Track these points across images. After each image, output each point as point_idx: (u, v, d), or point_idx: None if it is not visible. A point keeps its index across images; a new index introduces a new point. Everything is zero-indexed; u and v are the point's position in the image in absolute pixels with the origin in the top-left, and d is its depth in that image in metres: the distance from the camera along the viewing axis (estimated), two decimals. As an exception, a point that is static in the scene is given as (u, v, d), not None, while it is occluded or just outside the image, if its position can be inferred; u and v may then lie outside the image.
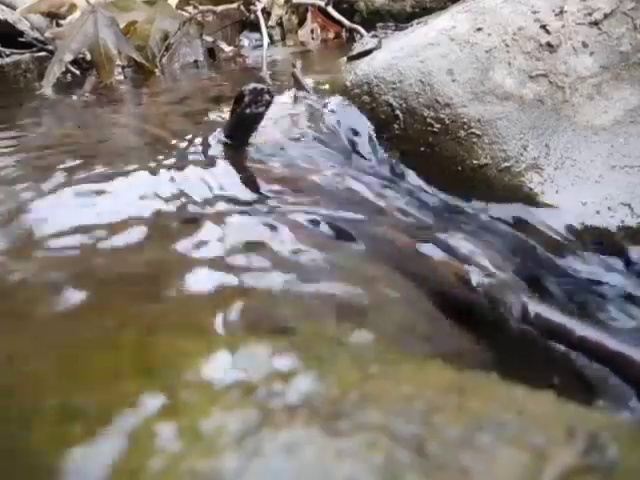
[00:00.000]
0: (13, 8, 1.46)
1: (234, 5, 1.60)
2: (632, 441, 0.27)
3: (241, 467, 0.25)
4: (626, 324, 0.64)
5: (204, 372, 0.33)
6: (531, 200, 0.73)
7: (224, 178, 0.70)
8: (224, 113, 0.92)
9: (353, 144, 0.83)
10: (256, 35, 1.72)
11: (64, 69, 1.31)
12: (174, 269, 0.47)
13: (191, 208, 0.61)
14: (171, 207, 0.60)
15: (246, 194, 0.67)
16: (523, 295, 0.57)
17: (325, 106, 0.88)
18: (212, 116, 0.95)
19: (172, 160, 0.74)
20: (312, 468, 0.25)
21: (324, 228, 0.61)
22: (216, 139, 0.79)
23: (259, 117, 0.75)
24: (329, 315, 0.44)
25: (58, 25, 1.50)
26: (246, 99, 0.72)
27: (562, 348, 0.55)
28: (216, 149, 0.77)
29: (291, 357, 0.34)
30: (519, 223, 0.72)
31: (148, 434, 0.28)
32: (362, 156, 0.82)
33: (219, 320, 0.40)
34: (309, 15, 1.85)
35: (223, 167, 0.73)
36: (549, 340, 0.55)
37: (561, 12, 0.80)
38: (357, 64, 0.88)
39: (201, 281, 0.45)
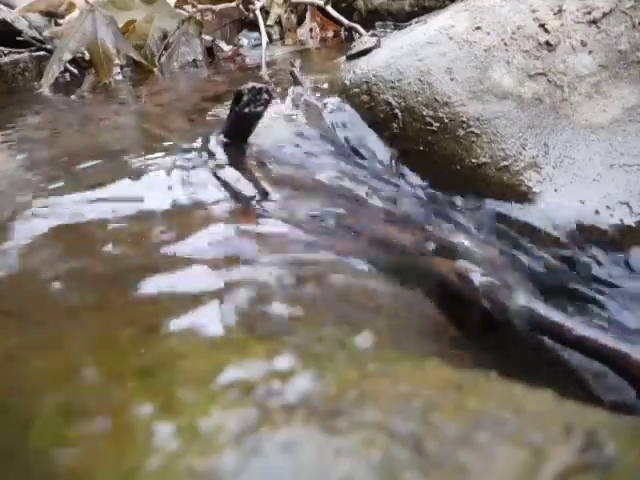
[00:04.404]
0: (11, 7, 1.46)
1: (233, 4, 1.60)
2: (630, 439, 0.27)
3: (240, 466, 0.25)
4: (625, 322, 0.64)
5: (203, 371, 0.33)
6: (530, 199, 0.73)
7: (222, 178, 0.70)
8: (223, 112, 0.92)
9: (352, 143, 0.83)
10: (255, 34, 1.72)
11: (63, 68, 1.31)
12: (173, 268, 0.47)
13: (189, 207, 0.61)
14: (169, 206, 0.60)
15: (244, 193, 0.67)
16: (522, 294, 0.57)
17: (324, 105, 0.88)
18: (211, 115, 0.95)
19: (171, 159, 0.74)
20: (310, 466, 0.25)
21: (323, 228, 0.61)
22: (215, 138, 0.79)
23: (258, 116, 0.75)
24: (328, 314, 0.44)
25: (57, 24, 1.49)
26: (245, 98, 0.72)
27: (561, 347, 0.55)
28: (215, 148, 0.77)
29: (289, 356, 0.34)
30: (518, 222, 0.72)
31: (147, 433, 0.28)
32: (361, 155, 0.82)
33: (218, 319, 0.40)
34: (308, 14, 1.85)
35: (222, 167, 0.73)
36: (548, 339, 0.55)
37: (560, 11, 0.80)
38: (356, 63, 0.88)
39: (200, 280, 0.45)
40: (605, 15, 0.78)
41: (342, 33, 1.78)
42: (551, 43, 0.78)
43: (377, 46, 0.90)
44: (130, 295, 0.44)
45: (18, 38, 1.42)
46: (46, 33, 1.44)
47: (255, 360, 0.34)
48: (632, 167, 0.72)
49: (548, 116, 0.76)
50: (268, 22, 1.73)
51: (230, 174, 0.72)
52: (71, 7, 1.48)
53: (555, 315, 0.54)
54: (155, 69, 1.41)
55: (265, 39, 1.43)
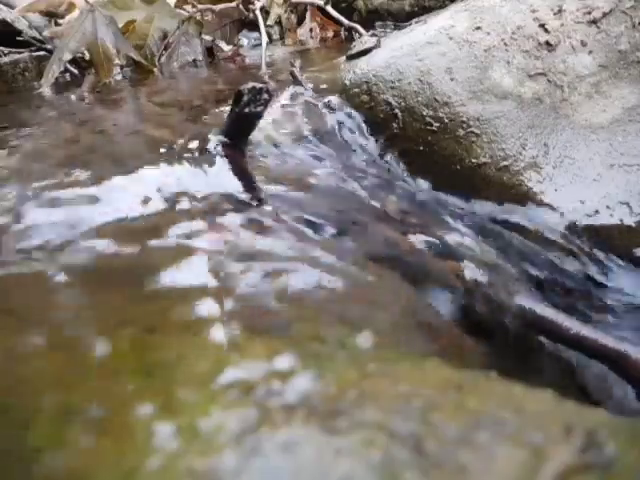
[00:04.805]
0: (11, 7, 1.46)
1: (233, 4, 1.60)
2: (630, 439, 0.27)
3: (239, 466, 0.25)
4: (624, 322, 0.64)
5: (203, 371, 0.33)
6: (530, 199, 0.73)
7: (222, 177, 0.70)
8: (223, 112, 0.91)
9: (352, 143, 0.83)
10: (255, 34, 1.72)
11: (63, 68, 1.31)
12: (172, 268, 0.47)
13: (189, 208, 0.61)
14: (169, 207, 0.60)
15: (244, 193, 0.67)
16: (521, 294, 0.57)
17: (324, 105, 0.88)
18: (211, 115, 0.95)
19: (170, 159, 0.74)
20: (310, 466, 0.25)
21: (322, 228, 0.61)
22: (215, 138, 0.79)
23: (258, 116, 0.75)
24: (328, 314, 0.44)
25: (57, 24, 1.49)
26: (245, 98, 0.72)
27: (560, 346, 0.55)
28: (215, 148, 0.77)
29: (289, 356, 0.34)
30: (517, 221, 0.72)
31: (147, 433, 0.28)
32: (361, 155, 0.82)
33: (218, 319, 0.40)
34: (308, 14, 1.85)
35: (222, 166, 0.73)
36: (547, 338, 0.55)
37: (560, 11, 0.80)
38: (356, 63, 0.88)
39: (200, 280, 0.45)
40: (605, 15, 0.78)
41: (342, 33, 1.78)
42: (551, 43, 0.78)
43: (377, 46, 0.90)
44: (130, 294, 0.44)
45: (18, 38, 1.42)
46: (46, 33, 1.44)
47: (255, 360, 0.34)
48: (632, 167, 0.72)
49: (548, 116, 0.76)
50: (268, 22, 1.73)
51: (229, 174, 0.72)
52: (71, 7, 1.48)
53: (555, 315, 0.54)
54: (155, 69, 1.41)
55: (265, 39, 1.44)
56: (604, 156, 0.73)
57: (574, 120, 0.76)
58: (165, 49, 1.46)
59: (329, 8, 1.66)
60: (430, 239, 0.65)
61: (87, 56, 1.38)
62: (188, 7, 1.53)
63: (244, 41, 1.78)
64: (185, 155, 0.75)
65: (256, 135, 0.80)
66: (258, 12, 1.54)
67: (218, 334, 0.38)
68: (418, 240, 0.64)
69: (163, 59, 1.46)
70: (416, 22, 0.97)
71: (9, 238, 0.53)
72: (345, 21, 1.61)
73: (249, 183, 0.70)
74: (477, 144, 0.76)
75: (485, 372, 0.34)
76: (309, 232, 0.59)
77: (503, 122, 0.76)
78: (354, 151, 0.82)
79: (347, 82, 0.87)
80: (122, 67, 1.42)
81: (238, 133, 0.78)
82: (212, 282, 0.46)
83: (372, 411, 0.28)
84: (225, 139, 0.78)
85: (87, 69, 1.41)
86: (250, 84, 0.72)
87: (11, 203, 0.61)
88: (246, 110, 0.73)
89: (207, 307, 0.41)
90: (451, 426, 0.27)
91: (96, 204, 0.60)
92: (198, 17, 1.52)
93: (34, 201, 0.61)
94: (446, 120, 0.77)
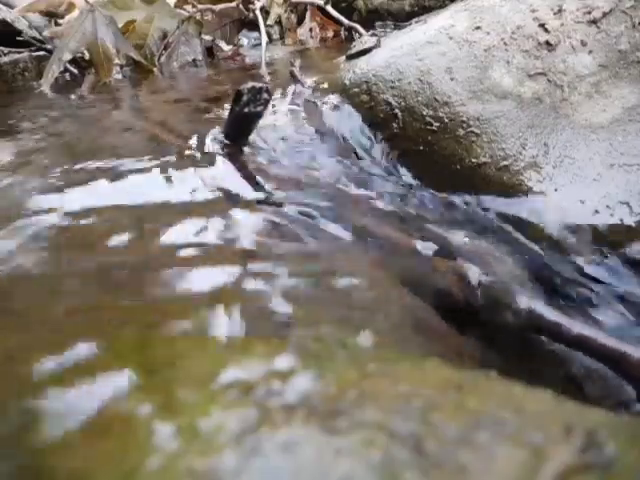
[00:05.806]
0: (11, 7, 1.46)
1: (233, 4, 1.60)
2: (630, 438, 0.27)
3: (239, 466, 0.25)
4: (624, 322, 0.64)
5: (203, 371, 0.33)
6: (530, 199, 0.73)
7: (222, 177, 0.70)
8: (223, 112, 0.92)
9: (352, 143, 0.83)
10: (255, 34, 1.72)
11: (63, 68, 1.31)
12: (172, 268, 0.47)
13: (189, 207, 0.61)
14: (169, 206, 0.60)
15: (244, 193, 0.67)
16: (521, 293, 0.57)
17: (324, 105, 0.88)
18: (211, 115, 0.95)
19: (170, 159, 0.74)
20: (310, 466, 0.25)
21: (322, 228, 0.61)
22: (215, 138, 0.79)
23: (257, 116, 0.75)
24: (328, 314, 0.44)
25: (57, 24, 1.49)
26: (244, 98, 0.72)
27: (561, 346, 0.55)
28: (214, 148, 0.77)
29: (289, 356, 0.34)
30: (518, 221, 0.72)
31: (147, 433, 0.28)
32: (361, 155, 0.82)
33: (218, 319, 0.40)
34: (308, 14, 1.85)
35: (221, 166, 0.73)
36: (548, 338, 0.55)
37: (560, 11, 0.80)
38: (356, 63, 0.88)
39: (200, 280, 0.46)
40: (605, 15, 0.78)
41: (342, 33, 1.78)
42: (551, 43, 0.78)
43: (377, 46, 0.90)
44: (130, 294, 0.44)
45: (18, 38, 1.42)
46: (46, 33, 1.44)
47: (255, 360, 0.34)
48: (632, 167, 0.72)
49: (548, 116, 0.76)
50: (268, 22, 1.73)
51: (229, 174, 0.72)
52: (71, 7, 1.48)
53: (555, 314, 0.54)
54: (155, 69, 1.41)
55: (265, 39, 1.44)
56: (604, 156, 0.73)
57: (574, 120, 0.76)
58: (165, 49, 1.46)
59: (329, 8, 1.66)
60: (430, 239, 0.65)
61: (87, 56, 1.38)
62: (188, 7, 1.53)
63: (244, 41, 1.78)
64: (185, 155, 0.75)
65: (256, 135, 0.80)
66: (258, 12, 1.54)
67: (218, 334, 0.38)
68: (418, 240, 0.64)
69: (163, 59, 1.46)
70: (416, 22, 0.97)
71: (9, 237, 0.53)
72: (345, 21, 1.61)
73: (249, 183, 0.70)
74: (477, 144, 0.76)
75: (485, 372, 0.34)
76: (308, 232, 0.59)
77: (503, 122, 0.76)
78: (354, 151, 0.82)
79: (347, 82, 0.87)
80: (122, 67, 1.42)
81: (238, 133, 0.78)
82: (212, 282, 0.46)
83: (372, 411, 0.28)
84: (225, 139, 0.78)
85: (87, 69, 1.41)
86: (250, 84, 0.72)
87: (9, 203, 0.61)
88: (246, 110, 0.73)
89: (207, 307, 0.41)
90: (451, 426, 0.27)
91: (95, 204, 0.60)
92: (198, 17, 1.52)
93: (34, 200, 0.61)
94: (446, 120, 0.77)
